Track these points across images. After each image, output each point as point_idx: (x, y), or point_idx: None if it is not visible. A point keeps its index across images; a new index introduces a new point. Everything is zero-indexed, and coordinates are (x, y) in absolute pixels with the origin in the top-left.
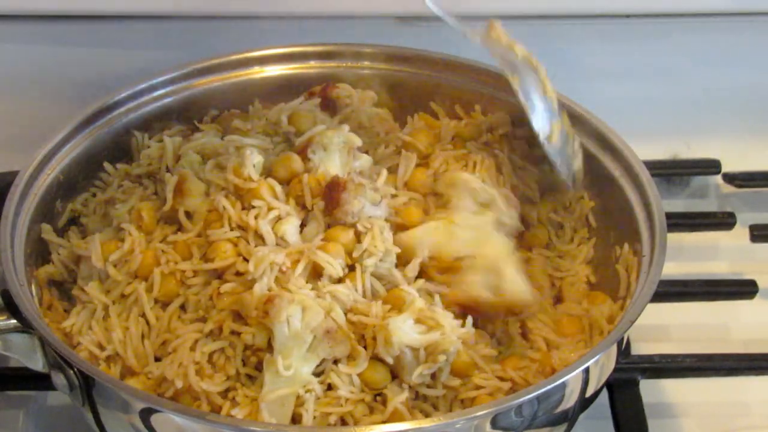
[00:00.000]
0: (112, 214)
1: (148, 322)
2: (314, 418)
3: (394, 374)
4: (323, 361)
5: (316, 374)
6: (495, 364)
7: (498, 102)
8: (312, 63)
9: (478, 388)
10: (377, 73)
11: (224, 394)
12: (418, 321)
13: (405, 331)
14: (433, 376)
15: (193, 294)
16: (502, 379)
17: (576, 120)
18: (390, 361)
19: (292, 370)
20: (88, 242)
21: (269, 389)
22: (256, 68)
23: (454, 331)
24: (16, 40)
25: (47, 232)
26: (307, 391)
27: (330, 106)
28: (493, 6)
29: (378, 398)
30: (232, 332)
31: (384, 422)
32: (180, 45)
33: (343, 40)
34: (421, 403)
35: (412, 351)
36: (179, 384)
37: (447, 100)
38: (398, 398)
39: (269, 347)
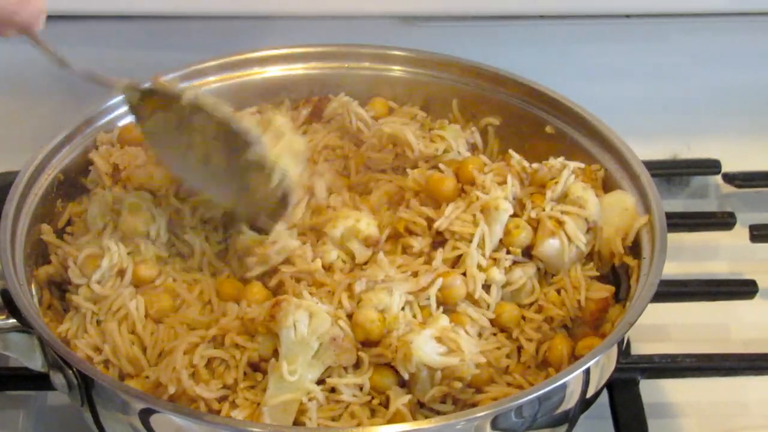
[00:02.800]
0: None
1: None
2: (317, 425)
3: (402, 382)
4: (328, 368)
5: (321, 381)
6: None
7: (494, 101)
8: (312, 64)
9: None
10: (377, 74)
11: (220, 399)
12: (439, 340)
13: (426, 352)
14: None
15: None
16: (509, 384)
17: (575, 119)
18: (405, 376)
19: (297, 375)
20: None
21: (272, 394)
22: (257, 69)
23: (474, 359)
24: (17, 40)
25: (47, 233)
26: (309, 399)
27: (318, 116)
28: (493, 6)
29: (380, 398)
30: (236, 345)
31: (385, 424)
32: (180, 45)
33: (343, 41)
34: (427, 411)
35: (429, 370)
36: (172, 389)
37: (446, 99)
38: (400, 400)
39: (274, 354)
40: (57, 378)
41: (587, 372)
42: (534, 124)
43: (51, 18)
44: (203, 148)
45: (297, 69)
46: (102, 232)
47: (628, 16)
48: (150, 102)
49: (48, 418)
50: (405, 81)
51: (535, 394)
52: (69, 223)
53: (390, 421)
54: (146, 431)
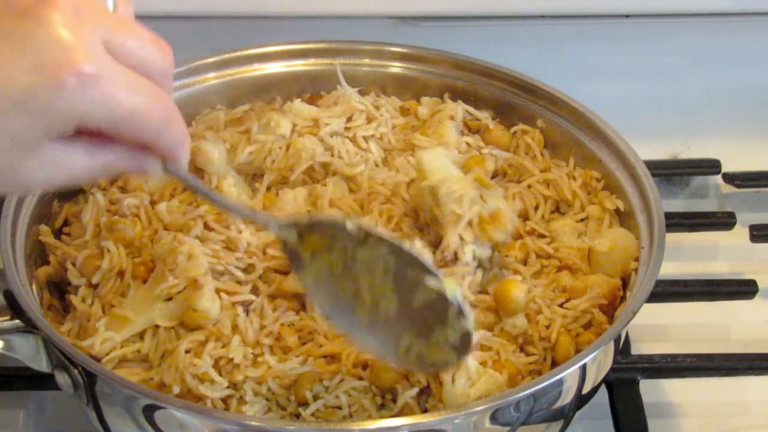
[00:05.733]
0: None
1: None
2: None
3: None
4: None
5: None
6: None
7: (487, 95)
8: (312, 60)
9: None
10: (377, 71)
11: (225, 399)
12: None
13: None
14: None
15: None
16: None
17: (576, 117)
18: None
19: None
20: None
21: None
22: (256, 65)
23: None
24: None
25: (45, 234)
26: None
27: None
28: (493, 6)
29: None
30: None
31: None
32: (180, 45)
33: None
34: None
35: None
36: (176, 389)
37: (438, 94)
38: (408, 393)
39: None
40: (62, 378)
41: (584, 368)
42: (526, 118)
43: None
44: (370, 290)
45: (297, 66)
46: (99, 234)
47: (627, 16)
48: (309, 241)
49: (48, 418)
50: (397, 76)
51: (532, 389)
52: (66, 223)
53: (398, 415)
54: (152, 428)
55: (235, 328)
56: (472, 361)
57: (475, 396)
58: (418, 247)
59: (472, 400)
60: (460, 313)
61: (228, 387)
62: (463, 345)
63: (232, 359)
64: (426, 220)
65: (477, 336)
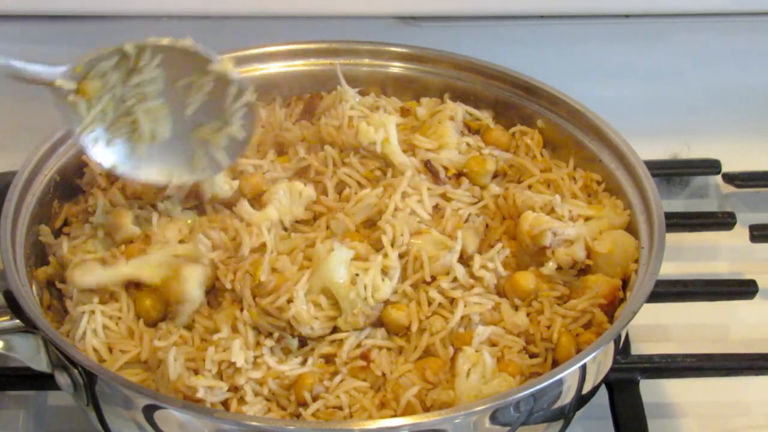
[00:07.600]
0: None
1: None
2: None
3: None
4: None
5: None
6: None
7: (487, 95)
8: (312, 60)
9: None
10: (377, 71)
11: (225, 400)
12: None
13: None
14: None
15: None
16: None
17: (576, 117)
18: None
19: None
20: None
21: None
22: (256, 65)
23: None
24: (16, 40)
25: (45, 234)
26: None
27: (310, 113)
28: (493, 6)
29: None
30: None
31: (394, 416)
32: None
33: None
34: None
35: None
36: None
37: (439, 94)
38: (410, 392)
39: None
40: (62, 378)
41: (584, 368)
42: (526, 118)
43: (50, 18)
44: (146, 117)
45: (297, 66)
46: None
47: (627, 16)
48: (86, 89)
49: (48, 418)
50: (397, 76)
51: (532, 389)
52: (66, 223)
53: (402, 414)
54: (152, 428)
55: (234, 330)
56: (488, 357)
57: (486, 393)
58: (191, 41)
59: (482, 397)
60: (240, 89)
61: (228, 390)
62: (249, 120)
63: (233, 363)
64: None
65: (487, 331)
